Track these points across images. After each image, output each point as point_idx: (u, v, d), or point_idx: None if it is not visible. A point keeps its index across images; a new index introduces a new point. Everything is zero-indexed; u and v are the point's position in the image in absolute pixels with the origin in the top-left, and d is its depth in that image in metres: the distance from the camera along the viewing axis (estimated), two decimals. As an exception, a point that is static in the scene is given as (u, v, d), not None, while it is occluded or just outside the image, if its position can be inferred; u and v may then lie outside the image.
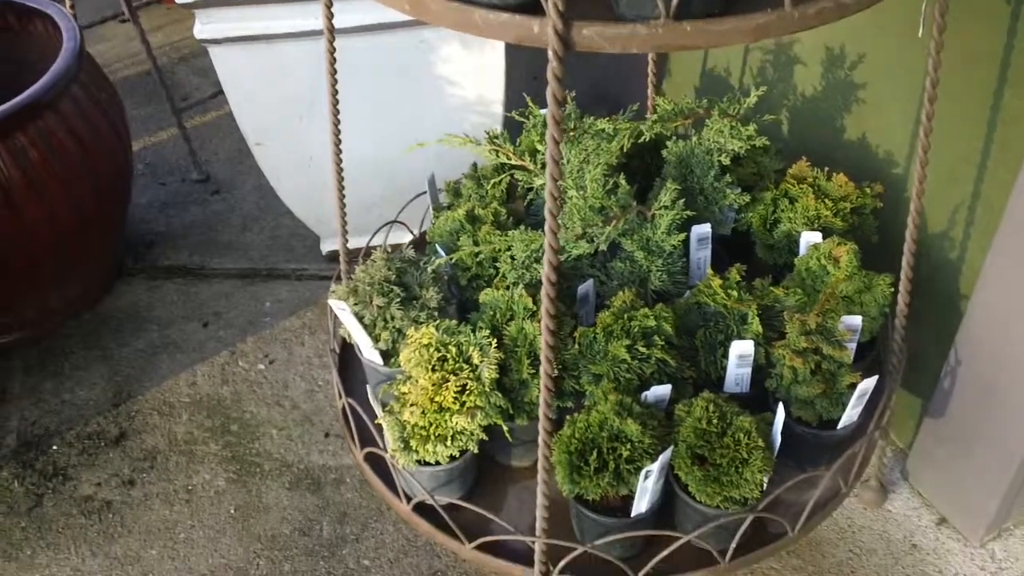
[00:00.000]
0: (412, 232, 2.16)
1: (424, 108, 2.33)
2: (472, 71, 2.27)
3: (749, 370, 1.65)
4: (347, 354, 1.92)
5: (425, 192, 2.04)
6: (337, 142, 1.76)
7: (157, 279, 2.72)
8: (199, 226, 2.90)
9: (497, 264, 1.77)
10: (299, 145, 2.35)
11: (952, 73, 1.69)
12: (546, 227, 1.19)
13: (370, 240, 2.03)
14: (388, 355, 1.73)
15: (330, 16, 1.62)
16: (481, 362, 1.55)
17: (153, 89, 3.35)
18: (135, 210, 2.96)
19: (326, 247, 2.69)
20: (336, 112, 1.72)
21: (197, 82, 3.61)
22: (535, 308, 1.61)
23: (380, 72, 2.24)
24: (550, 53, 1.07)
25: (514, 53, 2.25)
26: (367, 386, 1.69)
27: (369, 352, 1.73)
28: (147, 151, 3.26)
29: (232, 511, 2.07)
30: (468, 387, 1.53)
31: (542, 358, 1.28)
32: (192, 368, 2.42)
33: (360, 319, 1.69)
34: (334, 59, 1.66)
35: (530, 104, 1.89)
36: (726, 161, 1.82)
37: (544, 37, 1.06)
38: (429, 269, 1.75)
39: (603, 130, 1.79)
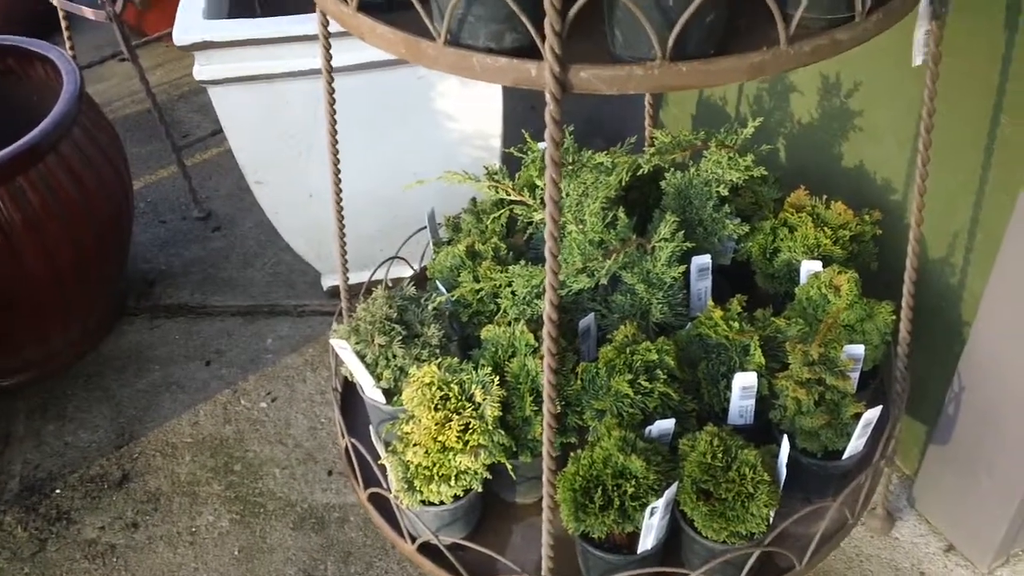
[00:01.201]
0: (413, 267, 2.16)
1: (423, 143, 2.34)
2: (470, 106, 2.28)
3: (753, 402, 1.65)
4: (349, 393, 1.92)
5: (425, 227, 2.04)
6: (337, 180, 1.77)
7: (159, 318, 2.72)
8: (200, 264, 2.90)
9: (498, 300, 1.77)
10: (299, 182, 2.35)
11: (948, 99, 1.70)
12: (547, 267, 1.19)
13: (371, 276, 2.03)
14: (391, 394, 1.72)
15: (328, 57, 1.62)
16: (484, 400, 1.54)
17: (153, 127, 3.35)
18: (136, 249, 2.96)
19: (327, 283, 2.69)
20: (335, 150, 1.72)
21: (197, 119, 3.62)
22: (537, 344, 1.61)
23: (379, 108, 2.24)
24: (548, 96, 1.08)
25: (513, 88, 2.26)
26: (370, 426, 1.69)
27: (371, 391, 1.72)
28: (148, 189, 3.27)
29: (236, 552, 2.06)
30: (471, 426, 1.52)
31: (544, 397, 1.28)
32: (194, 408, 2.42)
33: (362, 358, 1.69)
34: (333, 99, 1.67)
35: (528, 139, 1.89)
36: (724, 192, 1.83)
37: (542, 80, 1.07)
38: (430, 306, 1.75)
39: (601, 163, 1.79)
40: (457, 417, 1.52)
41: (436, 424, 1.52)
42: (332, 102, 1.67)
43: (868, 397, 1.72)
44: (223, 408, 2.41)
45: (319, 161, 2.25)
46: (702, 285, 1.86)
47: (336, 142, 1.72)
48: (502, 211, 1.92)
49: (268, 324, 2.65)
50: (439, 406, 1.54)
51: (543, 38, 1.03)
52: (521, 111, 3.39)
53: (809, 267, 1.80)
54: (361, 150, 2.29)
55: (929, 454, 1.99)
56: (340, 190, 1.77)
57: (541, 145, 1.96)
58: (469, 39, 1.11)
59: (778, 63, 1.09)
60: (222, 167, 3.30)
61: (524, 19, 1.05)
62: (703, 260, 1.82)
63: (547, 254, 1.18)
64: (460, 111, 2.29)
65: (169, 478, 2.24)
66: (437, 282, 1.86)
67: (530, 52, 1.07)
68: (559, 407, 1.58)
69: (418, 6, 1.11)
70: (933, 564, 1.97)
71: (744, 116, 2.35)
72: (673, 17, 1.03)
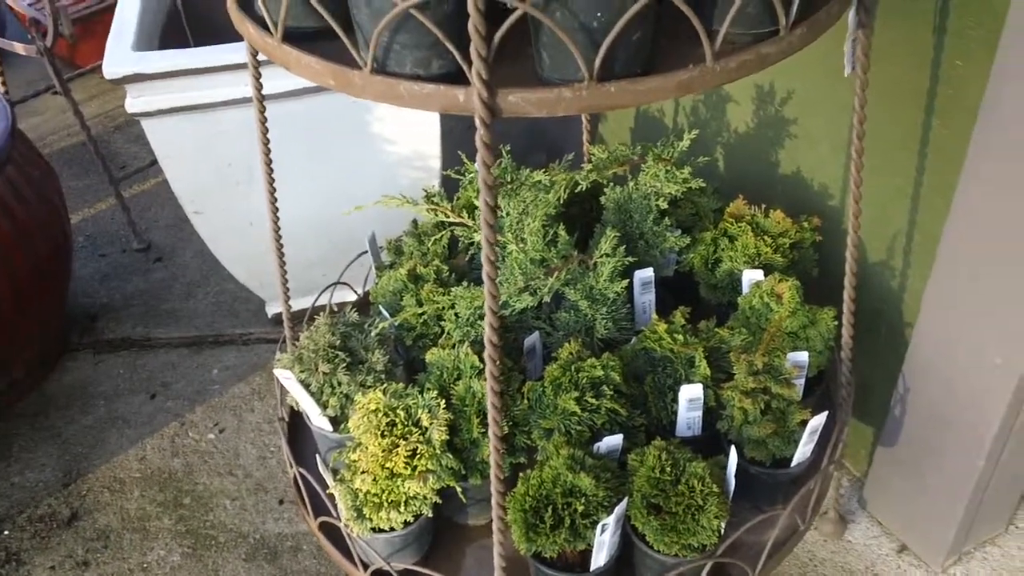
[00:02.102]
0: (356, 292, 2.14)
1: (361, 166, 2.33)
2: (407, 128, 2.27)
3: (700, 413, 1.65)
4: (297, 421, 1.90)
5: (367, 251, 2.03)
6: (274, 208, 1.75)
7: (102, 353, 2.68)
8: (142, 296, 2.87)
9: (442, 322, 1.76)
10: (238, 210, 2.33)
11: (881, 105, 1.72)
12: (485, 290, 1.19)
13: (314, 303, 2.01)
14: (337, 421, 1.71)
15: (259, 86, 1.61)
16: (431, 424, 1.53)
17: (90, 160, 3.32)
18: (77, 283, 2.92)
19: (271, 310, 2.67)
20: (271, 178, 1.71)
21: (135, 150, 3.58)
22: (482, 366, 1.60)
23: (315, 134, 2.23)
24: (477, 121, 1.07)
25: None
26: (317, 455, 1.67)
27: (318, 419, 1.71)
28: (86, 223, 3.23)
29: (188, 588, 2.03)
30: (419, 451, 1.51)
31: (489, 419, 1.27)
32: (141, 442, 2.38)
33: (306, 386, 1.67)
34: (266, 128, 1.66)
35: (465, 161, 1.89)
36: (663, 205, 1.83)
37: (470, 106, 1.06)
38: (374, 332, 1.74)
39: (539, 182, 1.79)
40: (404, 443, 1.51)
41: (383, 451, 1.51)
42: (265, 131, 1.66)
43: (814, 403, 1.73)
44: (171, 441, 2.37)
45: (258, 189, 2.23)
46: (646, 299, 1.86)
47: (271, 170, 1.70)
48: (443, 233, 1.91)
49: (213, 354, 2.62)
50: (385, 432, 1.53)
51: (469, 64, 1.02)
52: (460, 131, 3.39)
53: (751, 276, 1.81)
54: (299, 176, 2.27)
55: (878, 456, 2.01)
56: (277, 217, 1.76)
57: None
58: (396, 67, 1.11)
59: (705, 80, 1.09)
60: (161, 197, 3.27)
61: (449, 45, 1.04)
62: (646, 274, 1.83)
63: (484, 277, 1.18)
64: (397, 134, 2.29)
65: (118, 514, 2.20)
66: (380, 307, 1.85)
67: (457, 78, 1.07)
68: (506, 428, 1.57)
69: (343, 35, 1.10)
70: (887, 565, 1.98)
71: (681, 128, 2.37)
72: (599, 38, 1.03)
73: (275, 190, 1.72)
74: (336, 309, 1.92)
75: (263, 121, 1.65)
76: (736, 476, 1.57)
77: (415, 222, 2.03)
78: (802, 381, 1.69)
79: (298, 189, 2.29)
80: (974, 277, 1.62)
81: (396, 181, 2.34)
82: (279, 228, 1.78)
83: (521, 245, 1.73)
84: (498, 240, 1.74)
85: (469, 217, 1.82)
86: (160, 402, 2.49)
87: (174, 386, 2.53)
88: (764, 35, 1.14)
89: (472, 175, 1.87)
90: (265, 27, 1.22)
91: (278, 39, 1.19)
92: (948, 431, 1.80)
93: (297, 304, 2.01)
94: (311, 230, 2.38)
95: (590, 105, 1.08)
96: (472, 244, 1.87)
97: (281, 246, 1.80)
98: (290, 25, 1.19)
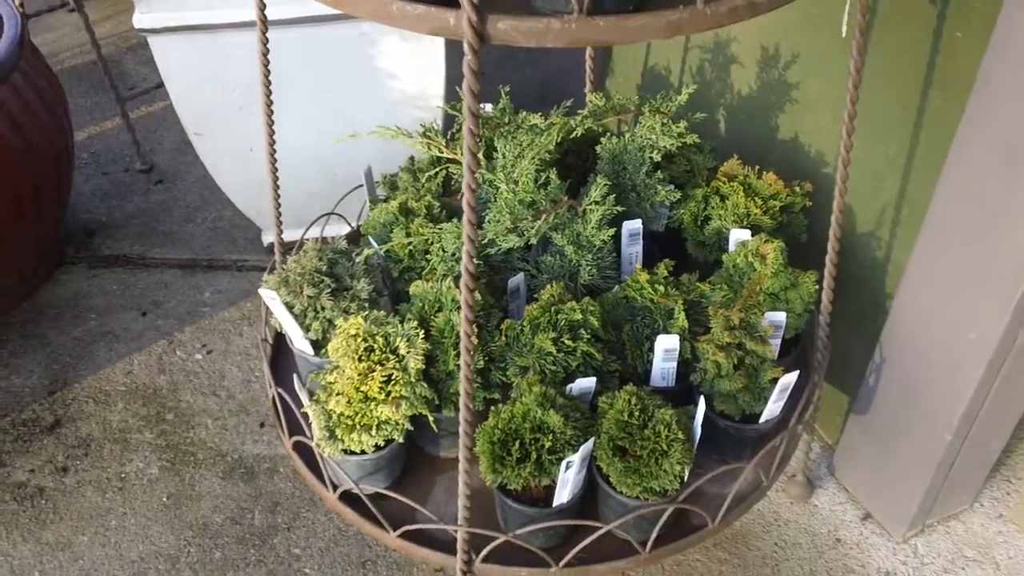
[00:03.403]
0: (350, 224, 2.16)
1: (365, 101, 2.34)
2: (412, 65, 2.28)
3: (675, 364, 1.68)
4: (280, 344, 1.92)
5: (362, 185, 2.04)
6: (271, 134, 1.76)
7: (97, 268, 2.70)
8: (141, 216, 2.89)
9: (429, 256, 1.78)
10: (239, 135, 2.35)
11: (881, 75, 1.73)
12: (464, 219, 1.21)
13: (304, 232, 2.03)
14: (319, 345, 1.73)
15: (263, 7, 1.62)
16: (408, 353, 1.56)
17: (99, 78, 3.32)
18: (77, 199, 2.94)
19: (267, 238, 2.69)
20: (269, 104, 1.72)
21: (145, 72, 3.59)
22: (463, 300, 1.62)
23: (320, 64, 2.24)
24: (465, 46, 1.09)
25: (457, 49, 2.26)
26: (295, 375, 1.70)
27: (299, 342, 1.73)
28: (92, 140, 3.24)
29: (165, 499, 2.06)
30: (394, 377, 1.54)
31: (461, 349, 1.30)
32: (129, 357, 2.41)
33: (290, 309, 1.70)
34: (267, 50, 1.67)
35: (462, 97, 1.89)
36: (658, 158, 1.85)
37: (460, 30, 1.08)
38: (359, 259, 1.76)
39: (535, 125, 1.80)
40: (380, 368, 1.54)
41: (359, 374, 1.54)
42: (266, 53, 1.67)
43: (789, 364, 1.75)
44: (158, 359, 2.41)
45: (260, 115, 2.24)
46: (633, 250, 1.88)
47: (270, 97, 1.71)
48: (439, 170, 1.93)
49: (207, 278, 2.65)
50: (363, 357, 1.55)
51: (462, -12, 1.04)
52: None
53: (738, 236, 1.82)
54: (303, 106, 2.28)
55: (850, 424, 2.03)
56: (274, 143, 1.77)
57: (484, 107, 1.97)
58: (391, -14, 1.12)
59: (695, 22, 1.10)
60: (167, 120, 3.28)
61: (444, -32, 1.06)
62: (634, 225, 1.84)
63: (464, 205, 1.19)
64: (402, 71, 2.29)
65: (101, 425, 2.24)
66: (370, 237, 1.86)
67: (450, 1, 1.08)
68: (481, 362, 1.59)
69: (340, -49, 1.11)
70: (849, 531, 2.01)
71: (687, 85, 2.37)
72: (592, -28, 1.04)
73: (273, 116, 1.74)
74: (328, 239, 1.94)
75: (265, 43, 1.66)
76: (705, 428, 1.60)
77: (412, 159, 2.04)
78: (778, 341, 1.71)
79: (301, 120, 2.30)
80: (955, 251, 1.64)
81: (399, 119, 2.33)
82: (275, 154, 1.79)
83: (512, 186, 1.74)
84: (489, 180, 1.77)
85: (457, 154, 1.83)
86: (151, 320, 2.52)
87: (165, 305, 2.56)
88: (759, -16, 1.14)
89: (469, 113, 1.87)
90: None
91: (278, -47, 1.20)
92: (919, 404, 1.82)
93: (293, 235, 2.03)
94: (312, 162, 2.39)
95: (578, 38, 1.09)
96: (460, 183, 1.88)
97: (276, 173, 1.82)
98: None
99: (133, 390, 2.32)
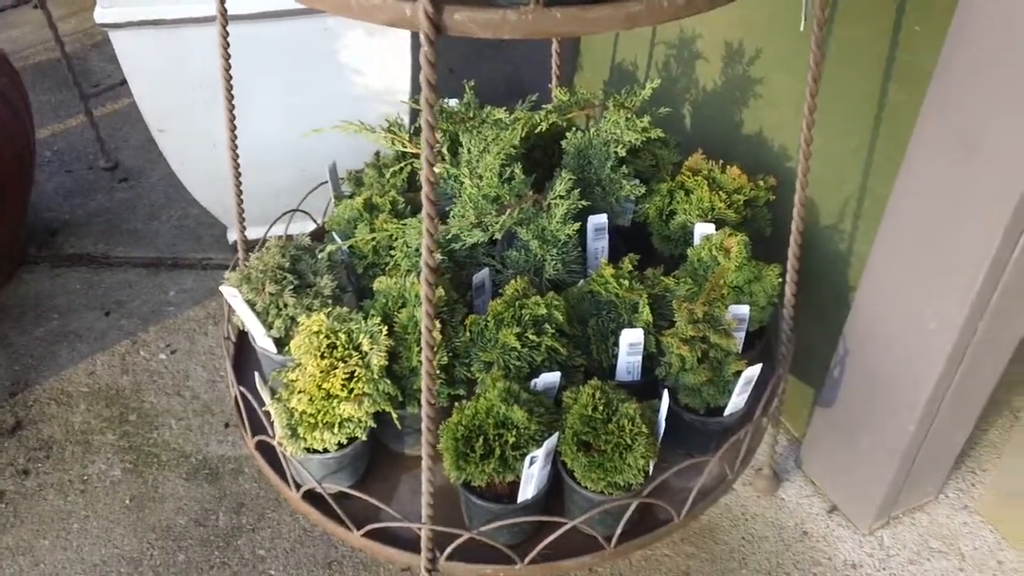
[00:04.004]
0: (315, 221, 2.15)
1: (331, 97, 2.32)
2: (378, 60, 2.27)
3: (639, 358, 1.67)
4: (244, 343, 1.91)
5: (327, 181, 2.03)
6: (233, 130, 1.75)
7: (60, 267, 2.67)
8: (105, 214, 2.86)
9: (393, 252, 1.77)
10: (203, 131, 2.32)
11: (842, 69, 1.74)
12: (423, 213, 1.20)
13: (269, 229, 2.02)
14: (282, 343, 1.72)
15: (223, 1, 1.60)
16: (371, 349, 1.55)
17: (64, 75, 3.29)
18: (40, 198, 2.91)
19: (233, 236, 2.67)
20: (231, 100, 1.71)
21: (110, 69, 3.56)
22: (426, 296, 1.61)
23: (285, 60, 2.22)
24: (422, 37, 1.08)
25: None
26: (256, 373, 1.68)
27: (262, 340, 1.72)
28: (55, 138, 3.21)
29: (127, 501, 2.04)
30: (356, 374, 1.53)
31: (423, 346, 1.29)
32: (92, 357, 2.39)
33: (252, 306, 1.68)
34: (228, 44, 1.65)
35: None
36: (622, 152, 1.84)
37: (416, 20, 1.07)
38: (322, 255, 1.74)
39: (500, 120, 1.79)
40: (343, 365, 1.53)
41: (321, 372, 1.52)
42: (227, 47, 1.65)
43: (754, 356, 1.75)
44: (121, 359, 2.38)
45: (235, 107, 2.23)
46: (598, 244, 1.88)
47: (231, 90, 1.70)
48: (403, 165, 1.92)
49: (171, 276, 2.63)
50: (325, 354, 1.54)
51: (419, -21, 1.03)
52: (439, 72, 3.38)
53: (703, 230, 1.82)
54: (268, 102, 2.27)
55: (816, 416, 2.04)
56: (236, 140, 1.76)
57: (449, 102, 1.96)
58: (348, -23, 1.11)
59: (653, 14, 1.10)
60: (132, 118, 3.25)
61: (400, -41, 1.05)
62: (599, 219, 1.84)
63: (423, 198, 1.19)
64: (368, 66, 2.28)
65: (63, 426, 2.21)
66: (334, 233, 1.85)
67: (409, -9, 1.07)
68: (445, 356, 1.58)
69: (296, -57, 1.10)
70: (816, 524, 2.02)
71: (653, 80, 2.37)
72: (548, -36, 1.03)
73: (235, 112, 1.73)
74: (294, 236, 1.92)
75: (225, 37, 1.65)
76: (670, 422, 1.60)
77: (377, 154, 2.03)
78: (742, 334, 1.71)
79: (266, 115, 2.29)
80: (914, 243, 1.64)
81: (365, 114, 2.32)
82: (237, 151, 1.78)
83: (476, 181, 1.74)
84: (454, 175, 1.76)
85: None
86: (114, 320, 2.49)
87: (129, 305, 2.54)
88: (718, -24, 1.14)
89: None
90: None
91: (233, -55, 1.18)
92: (882, 395, 1.83)
93: (261, 232, 2.01)
94: (278, 158, 2.38)
95: (535, 30, 1.08)
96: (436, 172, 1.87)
97: (238, 169, 1.81)
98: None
99: (96, 391, 2.30)
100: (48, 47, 3.65)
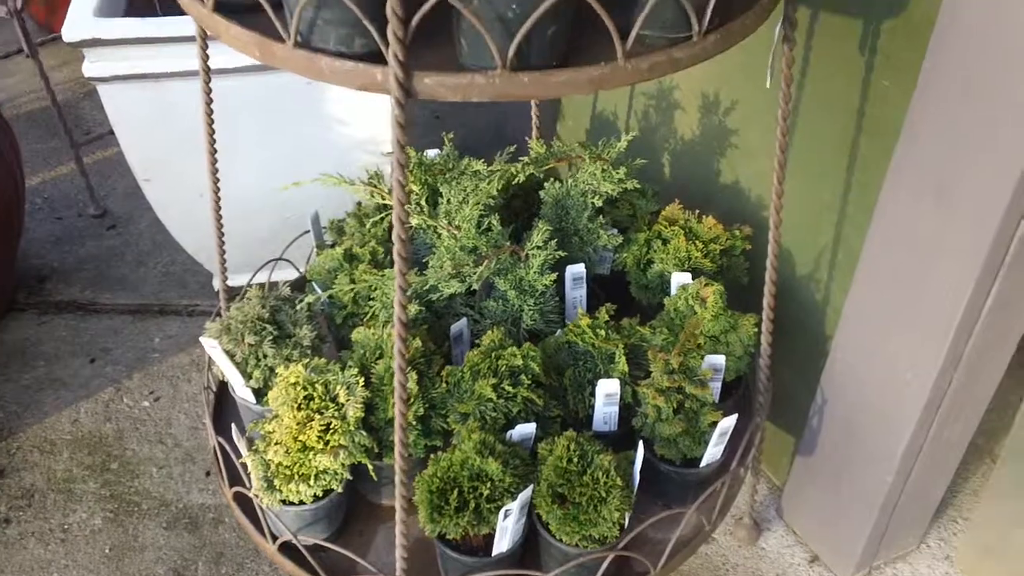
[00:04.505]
0: (299, 270, 2.16)
1: (316, 147, 2.35)
2: (362, 110, 2.29)
3: (616, 408, 1.68)
4: (224, 392, 1.91)
5: (310, 230, 2.05)
6: (215, 182, 1.78)
7: (47, 314, 2.68)
8: (93, 261, 2.87)
9: (372, 302, 1.79)
10: (189, 181, 2.34)
11: (814, 122, 1.76)
12: (396, 269, 1.22)
13: (252, 277, 2.03)
14: (261, 393, 1.73)
15: (205, 57, 1.63)
16: (347, 401, 1.56)
17: (55, 124, 3.31)
18: (30, 245, 2.92)
19: (219, 283, 2.68)
20: (213, 150, 1.73)
21: (100, 117, 3.58)
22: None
23: (270, 111, 2.25)
24: (392, 101, 1.10)
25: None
26: (232, 425, 1.69)
27: (241, 390, 1.73)
28: (46, 185, 3.23)
29: (107, 551, 2.04)
30: (332, 426, 1.54)
31: (396, 399, 1.30)
32: (76, 405, 2.39)
33: (232, 357, 1.69)
34: (211, 100, 1.68)
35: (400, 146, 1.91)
36: (599, 203, 1.86)
37: (387, 85, 1.09)
38: (299, 306, 1.76)
39: (479, 171, 1.82)
40: (319, 417, 1.54)
41: (298, 423, 1.53)
42: (209, 102, 1.68)
43: (731, 406, 1.77)
44: (105, 406, 2.39)
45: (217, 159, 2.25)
46: (577, 294, 1.89)
47: (214, 142, 1.73)
48: (384, 215, 1.94)
49: (157, 323, 2.64)
50: (302, 406, 1.55)
51: (388, 45, 1.05)
52: (425, 118, 3.42)
53: (679, 279, 1.84)
54: (254, 151, 2.29)
55: (796, 465, 2.05)
56: (219, 191, 1.79)
57: (429, 152, 1.98)
58: (320, 42, 1.13)
59: (616, 78, 1.12)
60: (122, 165, 3.24)
61: (369, 25, 1.07)
62: (577, 269, 1.86)
63: (395, 256, 1.20)
64: (352, 116, 2.31)
65: (45, 475, 2.21)
66: (314, 283, 1.87)
67: (379, 57, 1.09)
68: (421, 408, 1.59)
69: (267, 7, 1.13)
70: (797, 574, 2.02)
71: (633, 129, 2.40)
72: (513, 29, 1.05)
73: (218, 165, 1.75)
74: (273, 284, 1.94)
75: (208, 92, 1.68)
76: (647, 474, 1.61)
77: (359, 204, 2.05)
78: (718, 384, 1.72)
79: (252, 165, 2.31)
80: (888, 293, 1.66)
81: (349, 163, 2.35)
82: (220, 202, 1.80)
83: (454, 232, 1.76)
84: (431, 225, 1.78)
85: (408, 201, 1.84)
86: (99, 367, 2.50)
87: (114, 352, 2.54)
88: (680, 39, 1.16)
89: (412, 160, 1.89)
90: (200, -5, 1.24)
91: (210, 7, 1.21)
92: (860, 445, 1.84)
93: (242, 280, 2.03)
94: (264, 207, 2.40)
95: (503, 93, 1.10)
96: (410, 228, 1.89)
97: (221, 220, 1.83)
98: (220, -5, 1.21)
99: (79, 438, 2.30)
100: (40, 96, 3.67)
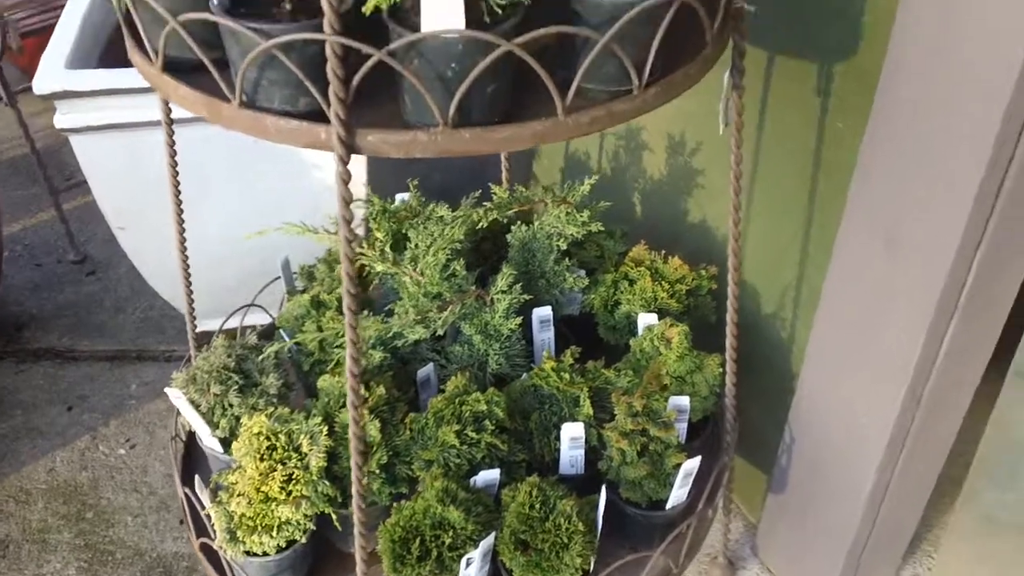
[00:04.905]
0: (271, 315, 2.17)
1: (289, 190, 2.36)
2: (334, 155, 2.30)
3: (582, 452, 1.69)
4: (195, 440, 1.91)
5: (280, 277, 2.06)
6: (181, 231, 1.79)
7: (26, 362, 2.69)
8: (72, 308, 2.88)
9: (338, 349, 1.79)
10: (163, 229, 2.34)
11: (774, 162, 1.78)
12: (345, 321, 1.22)
13: (223, 324, 2.04)
14: (228, 442, 1.73)
15: (168, 110, 1.65)
16: (310, 451, 1.56)
17: (36, 171, 3.34)
18: (8, 292, 2.94)
19: (197, 328, 2.69)
20: (179, 202, 1.75)
21: (81, 162, 3.60)
22: (367, 395, 1.63)
23: (242, 157, 2.26)
24: (335, 158, 1.12)
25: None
26: (196, 476, 1.69)
27: (208, 440, 1.73)
28: (26, 232, 3.24)
29: (80, 602, 2.05)
30: (295, 476, 1.54)
31: (351, 451, 1.30)
32: (52, 453, 2.40)
33: (197, 407, 1.70)
34: (174, 151, 1.70)
35: (369, 193, 1.93)
36: (564, 246, 1.88)
37: (330, 143, 1.11)
38: (263, 355, 1.76)
39: (442, 217, 1.83)
40: (282, 467, 1.54)
41: (260, 474, 1.54)
42: (173, 154, 1.71)
43: (698, 447, 1.77)
44: (81, 454, 2.39)
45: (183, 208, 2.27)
46: (544, 336, 1.90)
47: (179, 193, 1.74)
48: (353, 261, 1.94)
49: (134, 369, 2.64)
50: (265, 456, 1.55)
51: (330, 104, 1.07)
52: (391, 162, 3.43)
53: (645, 320, 1.85)
54: (226, 198, 2.30)
55: (769, 503, 2.05)
56: (184, 241, 1.81)
57: (400, 196, 2.00)
58: (265, 102, 1.15)
59: (558, 132, 1.14)
60: (101, 212, 3.28)
61: (311, 86, 1.09)
62: (544, 312, 1.87)
63: (344, 308, 1.21)
64: (326, 160, 2.32)
65: (20, 525, 2.21)
66: (281, 331, 1.88)
67: (324, 115, 1.11)
68: (384, 456, 1.59)
69: (212, 68, 1.14)
70: (772, 610, 2.02)
71: (605, 169, 2.42)
72: (453, 87, 1.07)
73: (183, 212, 1.77)
74: (246, 331, 1.94)
75: (172, 144, 1.70)
76: (613, 517, 1.61)
77: (329, 250, 2.06)
78: (684, 425, 1.72)
79: (225, 211, 2.32)
80: (846, 334, 1.67)
81: (323, 207, 2.36)
82: (186, 251, 1.82)
83: (417, 278, 1.76)
84: (393, 272, 1.79)
85: (370, 247, 1.85)
86: (76, 414, 2.50)
87: (91, 399, 2.55)
88: (622, 92, 1.18)
89: (374, 208, 1.90)
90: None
91: (159, 68, 1.22)
92: (827, 483, 1.84)
93: (220, 325, 2.04)
94: (238, 253, 2.40)
95: (446, 149, 1.12)
96: (376, 275, 1.90)
97: (188, 268, 1.85)
98: (175, 55, 1.23)
99: (54, 487, 2.30)
100: (20, 143, 3.69)
